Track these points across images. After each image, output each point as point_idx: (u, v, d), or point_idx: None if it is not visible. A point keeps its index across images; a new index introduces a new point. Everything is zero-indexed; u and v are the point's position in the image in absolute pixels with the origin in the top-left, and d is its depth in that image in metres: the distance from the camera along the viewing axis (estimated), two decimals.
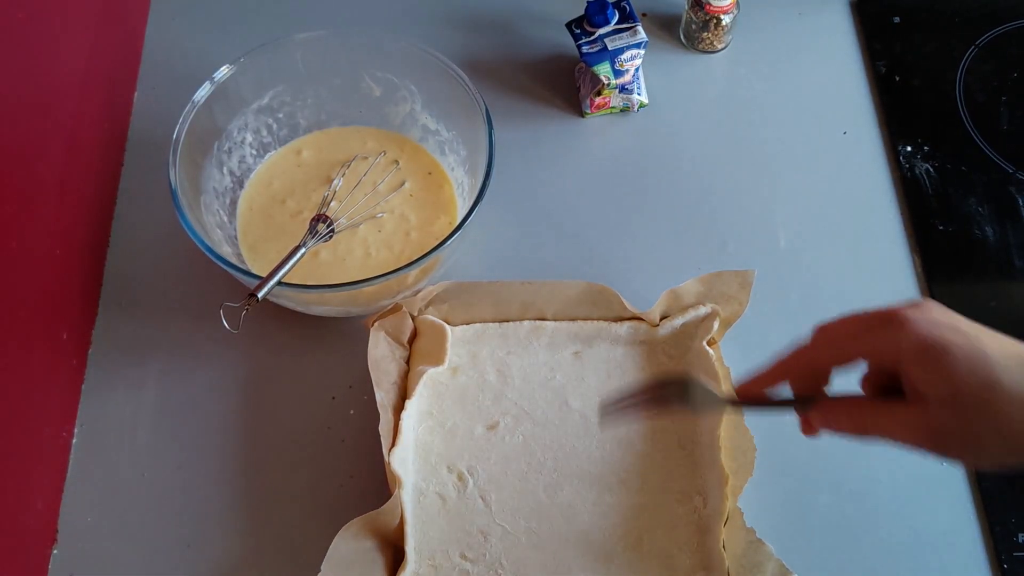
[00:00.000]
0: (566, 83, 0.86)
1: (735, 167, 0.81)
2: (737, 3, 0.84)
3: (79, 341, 0.71)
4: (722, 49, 0.88)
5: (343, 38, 0.75)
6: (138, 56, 0.86)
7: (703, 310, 0.69)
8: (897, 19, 0.89)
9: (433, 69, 0.73)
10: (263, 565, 0.64)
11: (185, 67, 0.84)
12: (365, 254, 0.73)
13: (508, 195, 0.79)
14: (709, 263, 0.73)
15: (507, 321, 0.70)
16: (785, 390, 0.52)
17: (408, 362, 0.69)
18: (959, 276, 0.76)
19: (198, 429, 0.69)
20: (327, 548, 0.58)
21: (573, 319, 0.70)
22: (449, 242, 0.65)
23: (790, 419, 0.70)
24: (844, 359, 0.49)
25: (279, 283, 0.63)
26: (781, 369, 0.51)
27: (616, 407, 0.55)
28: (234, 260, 0.69)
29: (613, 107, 0.83)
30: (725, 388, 0.65)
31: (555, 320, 0.70)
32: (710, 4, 0.82)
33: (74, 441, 0.68)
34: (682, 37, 0.88)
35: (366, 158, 0.78)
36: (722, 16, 0.84)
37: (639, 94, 0.83)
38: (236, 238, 0.74)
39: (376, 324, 0.67)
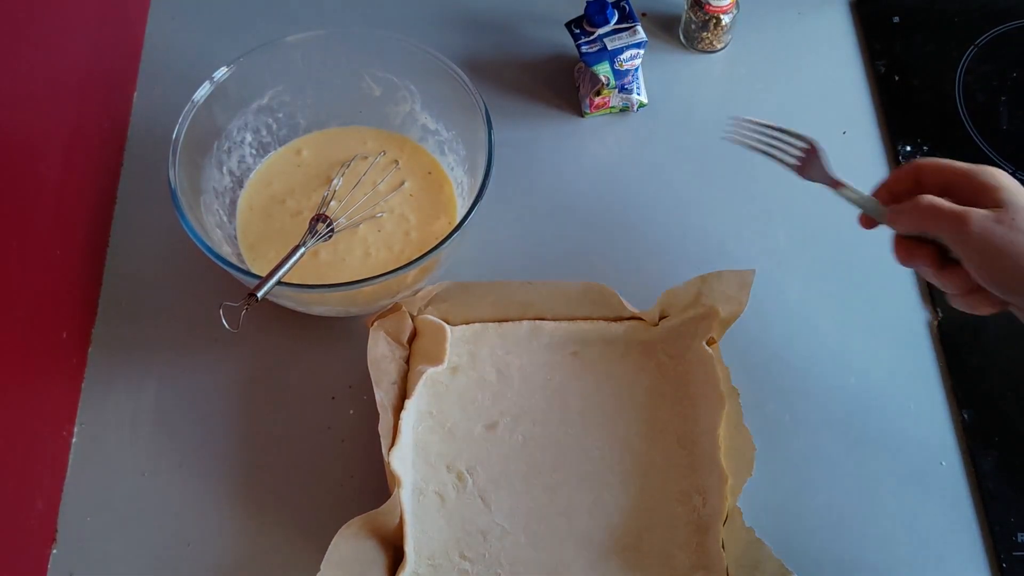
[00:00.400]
0: (566, 83, 0.86)
1: (735, 167, 0.81)
2: (737, 3, 0.84)
3: (79, 341, 0.71)
4: (722, 49, 0.88)
5: (343, 38, 0.75)
6: (138, 56, 0.86)
7: (702, 310, 0.69)
8: (897, 19, 0.89)
9: (433, 69, 0.73)
10: (263, 565, 0.64)
11: (185, 67, 0.84)
12: (365, 254, 0.73)
13: (508, 195, 0.79)
14: (709, 263, 0.73)
15: (506, 321, 0.70)
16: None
17: (408, 362, 0.69)
18: None
19: (198, 429, 0.69)
20: (327, 548, 0.58)
21: (572, 319, 0.70)
22: (449, 242, 0.65)
23: (789, 419, 0.71)
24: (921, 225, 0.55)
25: (279, 283, 0.63)
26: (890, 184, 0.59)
27: (746, 128, 0.64)
28: (234, 260, 0.69)
29: (612, 107, 0.83)
30: (725, 388, 0.65)
31: (554, 320, 0.70)
32: (710, 4, 0.82)
33: (74, 441, 0.69)
34: (682, 37, 0.88)
35: (366, 158, 0.78)
36: (722, 16, 0.84)
37: (639, 94, 0.83)
38: (236, 238, 0.74)
39: (376, 324, 0.67)
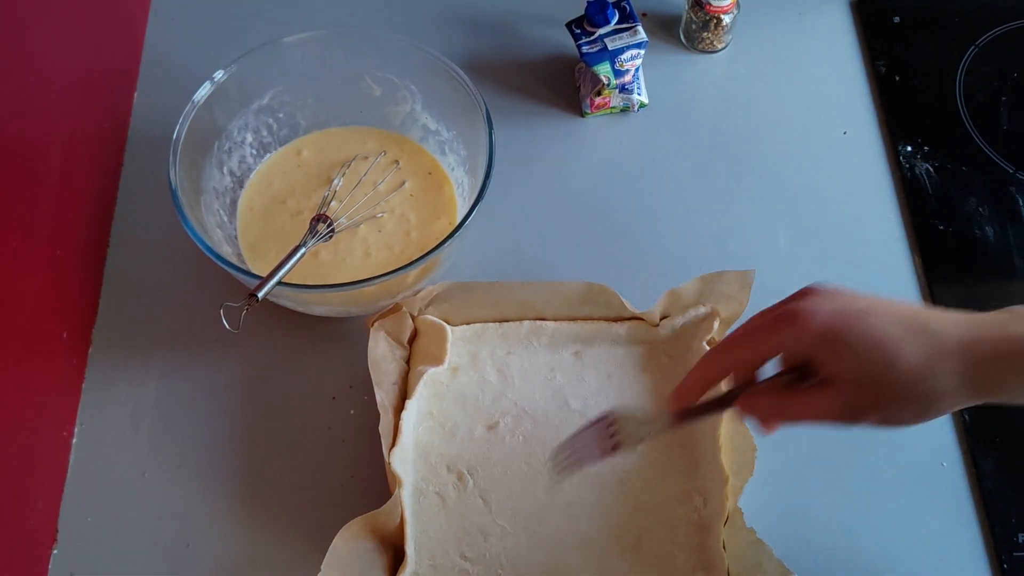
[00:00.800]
0: (566, 83, 0.86)
1: (735, 167, 0.81)
2: (737, 3, 0.84)
3: (79, 341, 0.71)
4: (722, 49, 0.88)
5: (343, 38, 0.75)
6: (138, 56, 0.86)
7: (703, 310, 0.69)
8: (897, 19, 0.89)
9: (433, 69, 0.73)
10: (263, 565, 0.64)
11: (185, 67, 0.84)
12: (365, 254, 0.73)
13: (508, 195, 0.79)
14: (709, 263, 0.73)
15: (507, 321, 0.70)
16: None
17: (408, 362, 0.69)
18: (959, 276, 0.76)
19: (198, 429, 0.69)
20: (327, 548, 0.58)
21: (573, 319, 0.70)
22: (449, 242, 0.65)
23: None
24: (760, 358, 0.51)
25: (279, 283, 0.63)
26: (703, 376, 0.53)
27: (565, 460, 0.58)
28: (234, 260, 0.69)
29: (613, 107, 0.83)
30: (725, 388, 0.65)
31: (555, 320, 0.70)
32: (710, 4, 0.82)
33: (74, 441, 0.68)
34: (682, 37, 0.88)
35: (366, 158, 0.78)
36: (722, 16, 0.84)
37: (639, 94, 0.83)
38: (236, 238, 0.74)
39: (376, 324, 0.67)
